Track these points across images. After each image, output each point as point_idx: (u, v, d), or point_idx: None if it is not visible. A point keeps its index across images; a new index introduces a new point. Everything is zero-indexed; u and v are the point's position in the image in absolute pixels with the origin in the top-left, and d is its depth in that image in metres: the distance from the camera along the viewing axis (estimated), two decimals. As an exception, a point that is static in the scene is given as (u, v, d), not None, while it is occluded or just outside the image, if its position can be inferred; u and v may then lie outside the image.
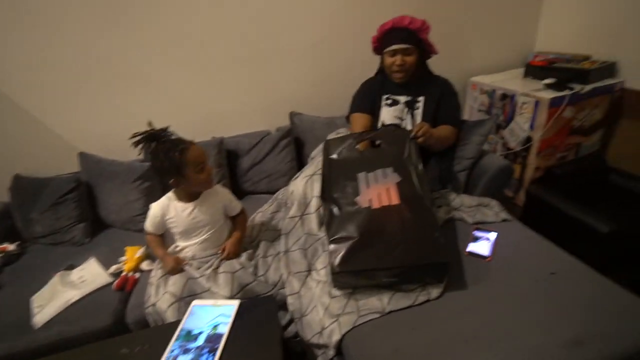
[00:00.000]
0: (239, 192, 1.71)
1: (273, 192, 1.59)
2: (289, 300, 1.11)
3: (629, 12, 1.58)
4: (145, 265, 1.31)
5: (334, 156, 1.21)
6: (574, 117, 1.62)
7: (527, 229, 1.24)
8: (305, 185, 1.31)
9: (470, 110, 2.04)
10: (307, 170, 1.39)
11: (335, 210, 1.07)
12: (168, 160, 0.99)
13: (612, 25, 1.68)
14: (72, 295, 1.19)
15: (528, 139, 1.67)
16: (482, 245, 1.14)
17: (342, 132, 1.45)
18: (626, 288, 0.94)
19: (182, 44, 1.58)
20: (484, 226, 1.23)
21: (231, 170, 1.68)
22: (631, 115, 1.67)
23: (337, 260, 0.97)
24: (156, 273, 1.16)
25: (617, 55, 1.68)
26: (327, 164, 1.21)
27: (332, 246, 1.00)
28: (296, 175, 1.44)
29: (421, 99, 1.40)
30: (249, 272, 1.14)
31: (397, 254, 0.94)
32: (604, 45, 1.72)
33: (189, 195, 1.12)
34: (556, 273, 1.01)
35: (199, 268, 1.12)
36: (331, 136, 1.39)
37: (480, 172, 1.38)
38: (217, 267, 1.12)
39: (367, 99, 1.49)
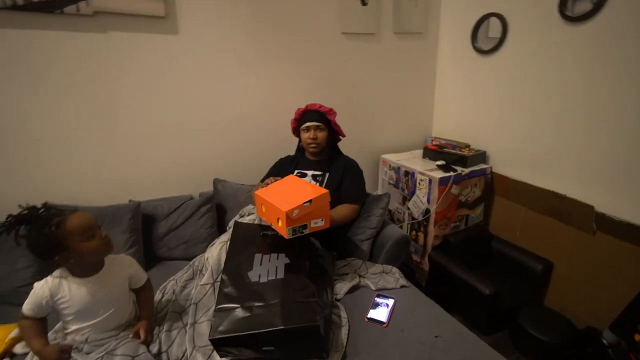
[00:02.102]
0: (154, 258, 1.64)
1: (190, 259, 1.55)
2: (191, 379, 1.06)
3: (491, 112, 2.06)
4: (19, 348, 1.13)
5: (238, 239, 1.32)
6: (460, 193, 1.95)
7: (421, 294, 1.39)
8: (220, 251, 1.33)
9: (383, 183, 2.31)
10: (224, 236, 1.43)
11: (227, 281, 1.14)
12: (44, 238, 0.91)
13: (480, 122, 2.15)
14: None
15: (427, 211, 1.94)
16: (381, 312, 1.24)
17: (247, 212, 1.56)
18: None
19: (107, 111, 1.61)
20: (386, 292, 1.36)
21: (147, 235, 1.62)
22: (500, 193, 2.07)
23: (215, 328, 1.00)
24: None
25: (486, 146, 2.12)
26: (232, 241, 1.30)
27: (215, 315, 1.04)
28: (213, 242, 1.46)
29: (327, 174, 1.59)
30: (150, 356, 1.02)
31: (270, 319, 1.00)
32: (477, 136, 2.17)
33: (86, 269, 1.02)
34: (439, 336, 1.14)
35: (89, 353, 1.01)
36: (237, 219, 1.49)
37: (382, 241, 1.56)
38: (114, 349, 0.99)
39: (277, 172, 1.68)
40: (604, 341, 1.45)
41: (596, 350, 1.49)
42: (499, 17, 1.92)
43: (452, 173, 1.88)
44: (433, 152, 2.13)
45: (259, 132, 1.96)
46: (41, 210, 0.97)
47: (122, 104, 1.63)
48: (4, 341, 1.14)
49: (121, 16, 1.51)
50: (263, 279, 1.15)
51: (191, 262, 1.52)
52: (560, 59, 1.67)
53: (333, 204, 1.55)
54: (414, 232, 2.09)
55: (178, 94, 1.73)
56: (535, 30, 1.76)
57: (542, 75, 1.77)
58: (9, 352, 1.13)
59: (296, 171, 1.67)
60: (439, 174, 1.88)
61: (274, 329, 0.97)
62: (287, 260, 1.21)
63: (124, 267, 1.11)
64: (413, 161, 2.13)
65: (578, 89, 1.63)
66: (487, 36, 2.02)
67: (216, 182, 1.84)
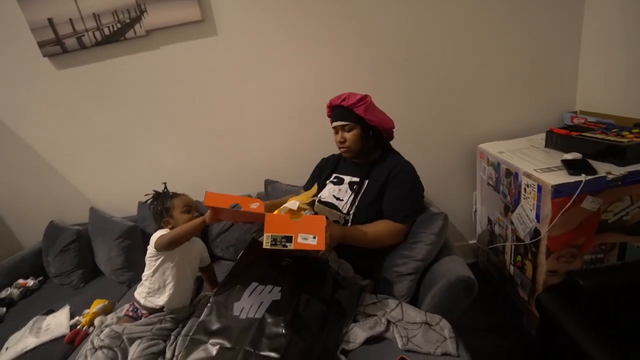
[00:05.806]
0: (211, 257, 1.75)
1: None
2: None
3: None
4: (97, 321, 1.39)
5: (245, 261, 1.18)
6: (603, 209, 1.18)
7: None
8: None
9: (481, 183, 1.68)
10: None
11: (212, 307, 1.04)
12: (160, 205, 1.22)
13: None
14: (29, 342, 1.34)
15: (537, 231, 1.28)
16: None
17: None
18: None
19: (165, 118, 1.78)
20: (418, 357, 0.96)
21: (204, 235, 1.73)
22: (703, 213, 1.13)
23: None
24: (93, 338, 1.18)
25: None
26: (238, 264, 1.17)
27: (186, 346, 0.97)
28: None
29: (365, 182, 1.24)
30: None
31: None
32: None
33: None
34: None
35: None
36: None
37: (431, 280, 1.10)
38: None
39: (317, 175, 1.47)
40: None
41: None
42: None
43: (583, 177, 1.14)
44: (561, 137, 1.36)
45: (309, 131, 1.76)
46: (164, 189, 1.30)
47: (176, 111, 1.75)
48: (91, 312, 1.43)
49: (167, 29, 1.59)
50: (243, 315, 0.99)
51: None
52: None
53: (371, 220, 1.21)
54: (519, 258, 1.44)
55: (225, 96, 1.72)
56: None
57: None
58: (92, 322, 1.41)
59: (334, 175, 1.39)
60: (557, 178, 1.17)
61: None
62: (277, 297, 1.01)
63: (197, 246, 1.32)
64: (525, 153, 1.43)
65: None
66: None
67: (267, 183, 1.77)
